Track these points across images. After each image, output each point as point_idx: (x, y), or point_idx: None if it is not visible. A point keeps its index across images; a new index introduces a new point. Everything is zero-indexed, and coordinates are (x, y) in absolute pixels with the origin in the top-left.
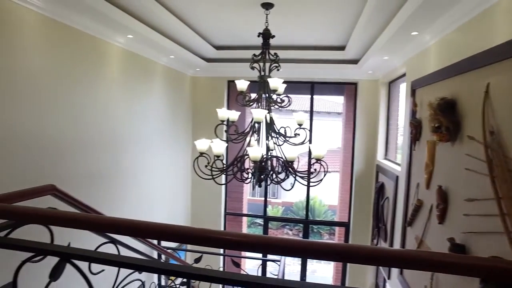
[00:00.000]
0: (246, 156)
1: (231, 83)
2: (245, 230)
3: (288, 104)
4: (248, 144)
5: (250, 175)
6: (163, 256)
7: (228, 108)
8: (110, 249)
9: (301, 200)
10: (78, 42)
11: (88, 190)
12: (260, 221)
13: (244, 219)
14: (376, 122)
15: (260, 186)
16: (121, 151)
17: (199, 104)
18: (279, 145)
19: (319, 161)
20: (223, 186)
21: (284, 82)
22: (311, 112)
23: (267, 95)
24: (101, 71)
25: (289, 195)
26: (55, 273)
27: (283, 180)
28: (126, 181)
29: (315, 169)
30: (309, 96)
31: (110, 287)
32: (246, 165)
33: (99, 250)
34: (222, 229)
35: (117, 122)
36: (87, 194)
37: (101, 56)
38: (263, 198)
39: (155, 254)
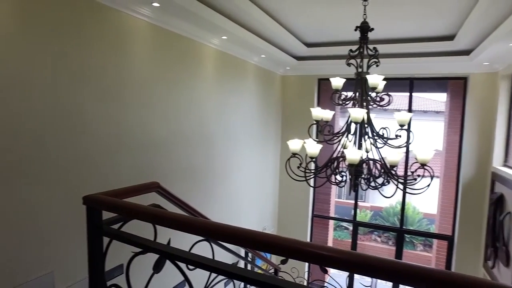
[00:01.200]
0: (341, 158)
1: (321, 82)
2: (331, 234)
3: (388, 102)
4: (343, 146)
5: (344, 178)
6: (249, 254)
7: (319, 106)
8: (204, 246)
9: (392, 205)
10: (177, 45)
11: (182, 186)
12: (346, 224)
13: (331, 222)
14: (493, 122)
15: (355, 190)
16: (213, 149)
17: (288, 103)
18: (378, 148)
19: (424, 166)
20: (311, 188)
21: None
22: (409, 111)
23: (364, 93)
24: (196, 71)
25: (379, 199)
26: (157, 267)
27: (381, 185)
28: (217, 179)
29: (418, 175)
30: (407, 94)
31: (205, 278)
32: (339, 167)
33: (196, 245)
34: (309, 232)
35: (209, 121)
36: (181, 189)
37: (197, 57)
38: (350, 201)
39: (242, 251)
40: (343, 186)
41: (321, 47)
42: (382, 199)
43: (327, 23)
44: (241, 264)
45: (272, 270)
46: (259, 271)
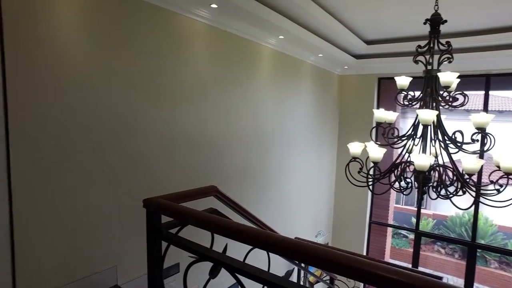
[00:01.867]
0: (407, 164)
1: (382, 81)
2: (389, 241)
3: (463, 103)
4: (408, 150)
5: (410, 185)
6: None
7: (378, 108)
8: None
9: (458, 214)
10: (233, 46)
11: (235, 187)
12: (405, 232)
13: (389, 229)
14: None
15: (421, 199)
16: (267, 150)
17: (346, 104)
18: (451, 153)
19: (508, 175)
20: (369, 192)
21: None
22: (485, 111)
23: (435, 92)
24: (252, 72)
25: (442, 206)
26: (213, 273)
27: (453, 194)
28: (270, 181)
29: (501, 185)
30: (479, 92)
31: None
32: (404, 173)
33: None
34: (366, 239)
35: (264, 122)
36: (234, 190)
37: (253, 57)
38: (409, 207)
39: None
40: (409, 193)
41: (382, 44)
42: (446, 206)
43: (390, 18)
44: (296, 270)
45: (327, 278)
46: (312, 278)
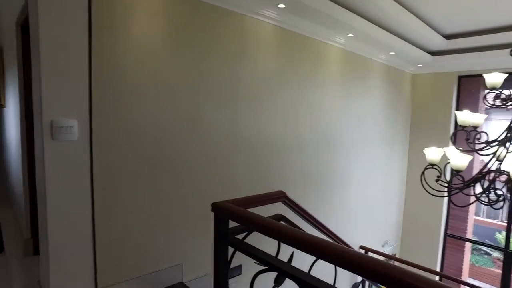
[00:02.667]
0: (497, 174)
1: (462, 79)
2: (467, 258)
3: None
4: (499, 157)
5: (502, 198)
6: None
7: (458, 109)
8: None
9: None
10: (299, 46)
11: (298, 191)
12: (486, 248)
13: (468, 244)
14: None
15: None
16: (332, 155)
17: (419, 105)
18: None
19: None
20: (445, 202)
21: None
22: None
23: None
24: (319, 72)
25: None
26: (278, 281)
27: None
28: (335, 186)
29: None
30: None
31: None
32: (493, 184)
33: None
34: (440, 253)
35: (330, 124)
36: (297, 195)
37: (320, 57)
38: (492, 220)
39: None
40: (501, 207)
41: (464, 38)
42: None
43: (475, 7)
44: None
45: None
46: None
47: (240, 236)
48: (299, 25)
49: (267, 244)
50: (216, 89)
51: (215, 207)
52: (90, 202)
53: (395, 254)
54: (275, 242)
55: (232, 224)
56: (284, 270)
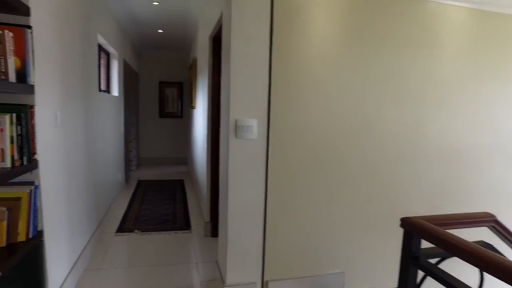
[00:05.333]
0: None
1: None
2: None
3: None
4: None
5: None
6: None
7: None
8: None
9: None
10: (506, 30)
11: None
12: None
13: None
14: None
15: None
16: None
17: None
18: None
19: None
20: None
21: None
22: None
23: None
24: None
25: None
26: None
27: None
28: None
29: None
30: None
31: None
32: None
33: None
34: None
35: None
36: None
37: None
38: None
39: None
40: None
41: None
42: None
43: None
44: None
45: None
46: None
47: (432, 260)
48: (506, 2)
49: (455, 272)
50: (396, 88)
51: (407, 223)
52: (264, 197)
53: None
54: (468, 271)
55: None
56: None
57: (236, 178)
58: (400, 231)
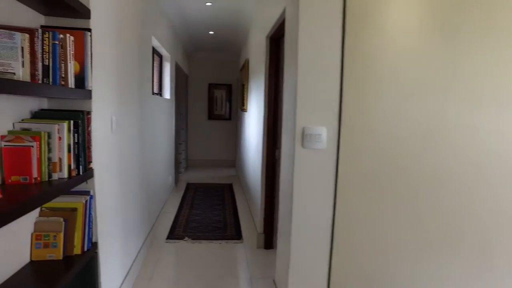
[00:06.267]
0: None
1: None
2: None
3: None
4: None
5: None
6: None
7: None
8: None
9: None
10: None
11: None
12: None
13: None
14: None
15: None
16: None
17: None
18: None
19: None
20: None
21: None
22: None
23: None
24: None
25: None
26: None
27: None
28: None
29: None
30: None
31: None
32: None
33: None
34: None
35: None
36: None
37: None
38: None
39: None
40: None
41: None
42: None
43: None
44: None
45: None
46: None
47: None
48: None
49: None
50: (490, 91)
51: None
52: (331, 214)
53: None
54: None
55: None
56: None
57: (302, 192)
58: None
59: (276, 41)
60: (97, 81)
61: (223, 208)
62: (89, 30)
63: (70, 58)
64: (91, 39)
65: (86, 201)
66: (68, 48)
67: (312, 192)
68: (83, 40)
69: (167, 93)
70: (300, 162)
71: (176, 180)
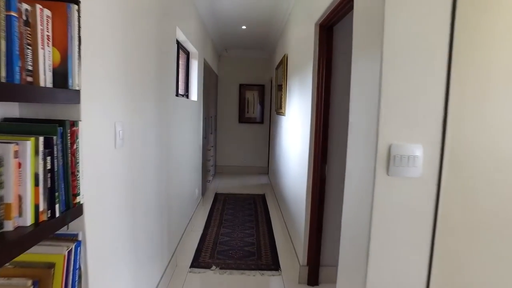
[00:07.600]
0: None
1: None
2: None
3: None
4: None
5: None
6: None
7: None
8: None
9: None
10: None
11: None
12: None
13: None
14: None
15: None
16: None
17: None
18: None
19: None
20: None
21: None
22: None
23: None
24: None
25: None
26: None
27: None
28: None
29: None
30: None
31: None
32: None
33: None
34: None
35: None
36: None
37: None
38: None
39: None
40: None
41: None
42: None
43: None
44: None
45: None
46: None
47: None
48: None
49: None
50: None
51: None
52: (427, 271)
53: None
54: None
55: None
56: None
57: (383, 235)
58: None
59: (328, 29)
60: (92, 77)
61: (256, 225)
62: (77, 2)
63: (44, 43)
64: (79, 16)
65: (70, 250)
66: (40, 27)
67: (398, 237)
68: (66, 16)
69: (194, 95)
70: (384, 194)
71: (204, 190)
